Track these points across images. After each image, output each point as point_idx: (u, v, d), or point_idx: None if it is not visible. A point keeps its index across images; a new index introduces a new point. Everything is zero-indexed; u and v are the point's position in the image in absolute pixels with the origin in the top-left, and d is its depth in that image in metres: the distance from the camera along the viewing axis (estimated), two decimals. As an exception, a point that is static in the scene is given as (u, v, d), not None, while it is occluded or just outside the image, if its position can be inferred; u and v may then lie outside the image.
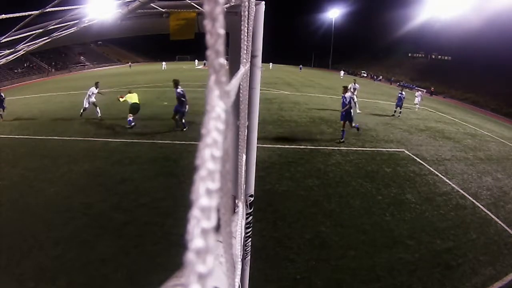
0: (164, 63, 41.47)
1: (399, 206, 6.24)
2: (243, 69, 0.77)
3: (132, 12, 1.67)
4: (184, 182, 6.43)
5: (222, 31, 0.22)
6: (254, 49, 1.45)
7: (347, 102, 9.72)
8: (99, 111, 11.58)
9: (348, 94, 9.83)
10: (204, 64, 43.78)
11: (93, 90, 11.51)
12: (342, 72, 40.42)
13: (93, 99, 11.45)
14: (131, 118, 10.39)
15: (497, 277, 4.53)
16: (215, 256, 0.66)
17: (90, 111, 11.86)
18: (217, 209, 0.20)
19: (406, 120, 14.29)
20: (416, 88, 34.50)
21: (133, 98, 10.58)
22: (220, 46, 0.23)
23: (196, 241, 0.18)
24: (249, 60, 1.07)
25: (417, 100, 17.64)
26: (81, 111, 11.69)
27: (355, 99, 13.58)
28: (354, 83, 15.92)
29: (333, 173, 7.63)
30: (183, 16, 1.69)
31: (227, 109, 0.24)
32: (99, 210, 5.47)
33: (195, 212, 0.19)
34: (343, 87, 10.34)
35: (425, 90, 33.50)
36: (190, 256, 0.18)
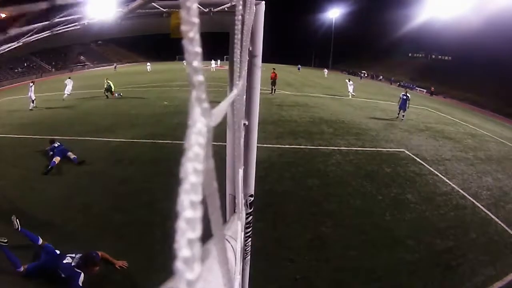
0: (148, 64, 36.80)
1: (399, 206, 6.24)
2: (235, 90, 0.75)
3: (132, 11, 1.67)
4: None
5: (199, 50, 0.23)
6: (254, 49, 1.45)
7: None
8: (32, 104, 13.69)
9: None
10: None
11: (31, 84, 14.00)
12: (325, 71, 39.35)
13: (31, 93, 13.66)
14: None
15: (497, 277, 4.54)
16: (212, 259, 0.66)
17: (93, 110, 11.88)
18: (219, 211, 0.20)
19: (406, 120, 14.27)
20: (414, 86, 34.52)
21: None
22: (199, 63, 0.24)
23: (183, 251, 0.19)
24: (249, 60, 1.07)
25: (350, 88, 20.12)
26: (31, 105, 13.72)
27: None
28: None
29: (333, 173, 7.63)
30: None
31: (208, 124, 0.25)
32: (99, 210, 5.47)
33: (180, 224, 0.19)
34: None
35: (425, 90, 33.52)
36: (178, 264, 0.19)
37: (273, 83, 18.41)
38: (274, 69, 18.47)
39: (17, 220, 4.37)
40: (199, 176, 0.21)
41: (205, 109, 0.25)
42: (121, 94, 16.96)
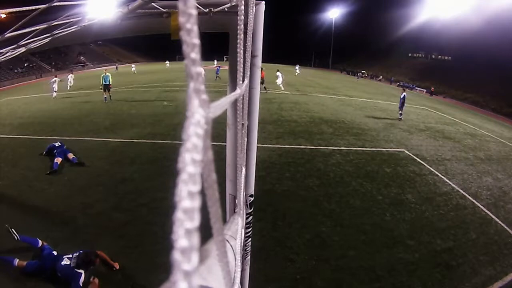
0: (133, 65, 36.86)
1: (399, 206, 6.24)
2: (239, 90, 0.75)
3: (132, 12, 1.67)
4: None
5: (197, 41, 0.23)
6: (254, 49, 1.45)
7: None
8: (55, 94, 16.43)
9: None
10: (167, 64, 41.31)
11: (55, 79, 16.96)
12: (297, 67, 38.83)
13: (54, 85, 16.53)
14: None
15: (497, 277, 4.54)
16: (213, 257, 0.66)
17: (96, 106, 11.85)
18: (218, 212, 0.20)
19: (406, 120, 14.28)
20: (414, 86, 34.52)
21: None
22: (197, 55, 0.23)
23: (180, 241, 0.19)
24: (249, 60, 1.07)
25: (279, 81, 20.29)
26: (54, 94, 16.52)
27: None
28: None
29: (333, 173, 7.63)
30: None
31: (207, 115, 0.25)
32: (99, 210, 5.47)
33: (178, 214, 0.19)
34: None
35: (425, 90, 33.50)
36: (176, 255, 0.18)
37: (262, 81, 18.69)
38: (262, 68, 18.62)
39: (13, 230, 4.32)
40: (197, 167, 0.21)
41: (203, 101, 0.25)
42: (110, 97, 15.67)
